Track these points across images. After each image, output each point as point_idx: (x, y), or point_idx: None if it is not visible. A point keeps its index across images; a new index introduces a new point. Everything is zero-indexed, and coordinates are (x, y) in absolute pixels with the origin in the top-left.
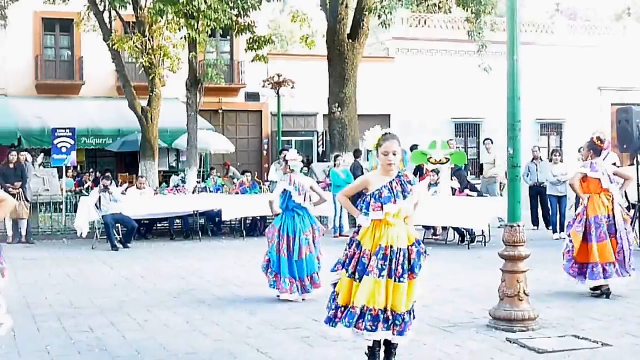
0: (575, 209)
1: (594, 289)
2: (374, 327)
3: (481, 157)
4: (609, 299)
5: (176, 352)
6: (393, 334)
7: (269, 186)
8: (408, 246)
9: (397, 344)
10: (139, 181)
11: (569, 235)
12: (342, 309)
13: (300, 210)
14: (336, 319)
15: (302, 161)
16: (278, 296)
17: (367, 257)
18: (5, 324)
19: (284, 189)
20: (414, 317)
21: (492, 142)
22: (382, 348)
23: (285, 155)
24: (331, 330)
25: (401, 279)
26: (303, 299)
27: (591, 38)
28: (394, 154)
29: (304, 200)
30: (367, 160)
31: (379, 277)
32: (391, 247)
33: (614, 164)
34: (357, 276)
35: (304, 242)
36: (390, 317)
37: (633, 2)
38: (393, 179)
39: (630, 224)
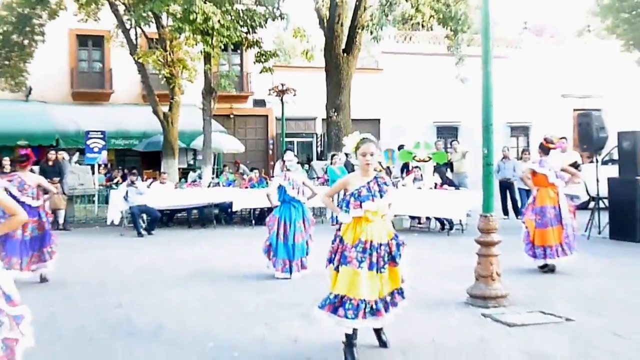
0: None
1: (542, 266)
2: (354, 316)
3: (451, 156)
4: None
5: (193, 326)
6: (379, 317)
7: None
8: (388, 241)
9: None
10: (161, 177)
11: (524, 223)
12: (337, 298)
13: (296, 203)
14: (325, 309)
15: (299, 162)
16: (274, 275)
17: (348, 250)
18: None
19: (280, 184)
20: (403, 298)
21: (458, 142)
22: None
23: (284, 156)
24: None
25: (382, 270)
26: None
27: (555, 52)
28: (371, 155)
29: (298, 194)
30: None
31: (358, 267)
32: (371, 241)
33: (575, 162)
34: (341, 266)
35: (298, 229)
36: (374, 305)
37: (592, 20)
38: (371, 180)
39: (590, 215)
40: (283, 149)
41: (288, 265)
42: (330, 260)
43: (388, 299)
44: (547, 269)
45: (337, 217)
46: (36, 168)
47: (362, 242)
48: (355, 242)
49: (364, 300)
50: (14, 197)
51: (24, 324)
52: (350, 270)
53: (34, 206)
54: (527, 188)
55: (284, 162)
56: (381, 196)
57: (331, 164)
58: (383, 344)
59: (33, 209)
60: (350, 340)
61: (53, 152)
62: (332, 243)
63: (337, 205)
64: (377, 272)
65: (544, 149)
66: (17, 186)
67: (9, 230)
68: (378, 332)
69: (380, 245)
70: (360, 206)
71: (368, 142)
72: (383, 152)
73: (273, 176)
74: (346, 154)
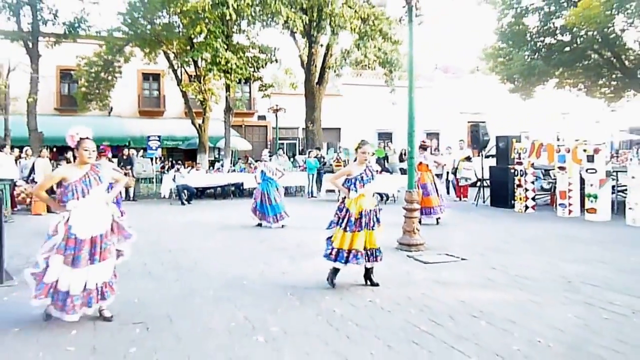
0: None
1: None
2: (358, 261)
3: (387, 152)
4: (465, 233)
5: (217, 263)
6: (373, 261)
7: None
8: (375, 208)
9: (373, 267)
10: (196, 166)
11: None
12: (337, 251)
13: (271, 181)
14: (331, 256)
15: (270, 154)
16: (259, 224)
17: (354, 218)
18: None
19: (261, 170)
20: (378, 260)
21: (391, 142)
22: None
23: (265, 153)
24: (328, 264)
25: (373, 228)
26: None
27: (456, 83)
28: (368, 153)
29: (273, 175)
30: (327, 153)
31: (359, 231)
32: (367, 210)
33: (469, 156)
34: (348, 230)
35: (273, 195)
36: (369, 253)
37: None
38: (366, 169)
39: (478, 190)
40: (276, 148)
41: (271, 219)
42: (338, 224)
43: (371, 252)
44: (437, 221)
45: (310, 193)
46: (115, 160)
47: (363, 212)
48: (359, 213)
49: (357, 250)
50: None
51: (131, 240)
52: (358, 234)
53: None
54: (439, 172)
55: (262, 156)
56: (373, 179)
57: (308, 157)
58: (373, 283)
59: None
60: (336, 271)
61: (126, 150)
62: (340, 211)
63: (343, 185)
64: (369, 230)
65: (423, 148)
66: None
67: (121, 188)
68: (369, 274)
69: (371, 211)
70: (363, 187)
71: (366, 144)
72: (343, 149)
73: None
74: (319, 150)
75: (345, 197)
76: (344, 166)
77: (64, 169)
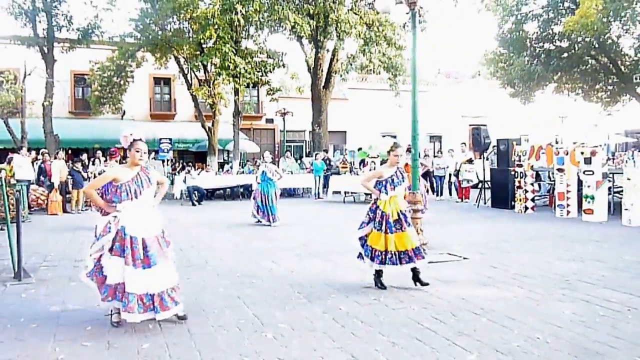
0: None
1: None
2: (400, 263)
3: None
4: (466, 233)
5: (227, 262)
6: (415, 261)
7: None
8: (405, 209)
9: (416, 266)
10: (206, 167)
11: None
12: (373, 251)
13: (271, 181)
14: (369, 257)
15: (273, 159)
16: (259, 221)
17: (392, 220)
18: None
19: (263, 170)
20: (423, 257)
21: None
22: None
23: (266, 155)
24: (363, 265)
25: (404, 229)
26: (269, 224)
27: (458, 88)
28: (401, 155)
29: (273, 175)
30: (333, 156)
31: (400, 232)
32: (399, 211)
33: (470, 158)
34: (388, 232)
35: (271, 196)
36: (410, 253)
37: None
38: (396, 171)
39: (479, 191)
40: (284, 150)
41: (268, 218)
42: (369, 224)
43: (411, 253)
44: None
45: (317, 194)
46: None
47: (397, 213)
48: (394, 215)
49: (392, 251)
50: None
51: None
52: (391, 235)
53: None
54: (440, 175)
55: (263, 158)
56: (403, 181)
57: (315, 159)
58: (423, 283)
59: None
60: (380, 273)
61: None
62: (372, 213)
63: (375, 187)
64: (402, 231)
65: (409, 151)
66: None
67: (164, 192)
68: (416, 275)
69: (402, 212)
70: (394, 189)
71: (399, 147)
72: (349, 152)
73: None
74: (326, 152)
75: (377, 199)
76: (350, 168)
77: (115, 169)
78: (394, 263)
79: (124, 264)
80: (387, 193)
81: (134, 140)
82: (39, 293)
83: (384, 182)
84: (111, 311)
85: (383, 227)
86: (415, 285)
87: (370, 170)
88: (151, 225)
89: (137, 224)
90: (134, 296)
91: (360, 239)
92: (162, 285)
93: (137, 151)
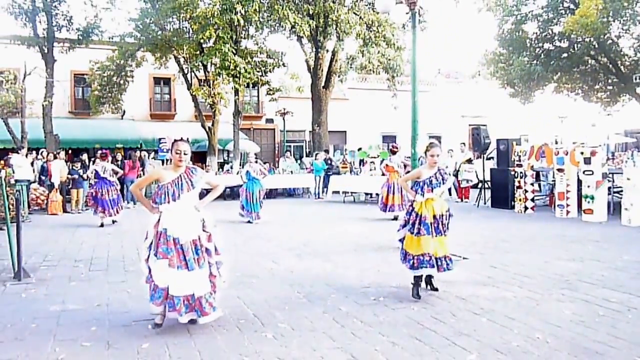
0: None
1: (394, 218)
2: (431, 267)
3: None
4: (466, 233)
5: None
6: (442, 270)
7: (280, 171)
8: (445, 212)
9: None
10: (206, 167)
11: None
12: (408, 255)
13: (256, 180)
14: (402, 260)
15: (257, 157)
16: (249, 221)
17: (429, 222)
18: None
19: (247, 170)
20: (450, 269)
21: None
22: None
23: (250, 156)
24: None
25: (445, 234)
26: (251, 222)
27: (458, 88)
28: (437, 155)
29: (258, 175)
30: (333, 155)
31: (436, 236)
32: (439, 214)
33: (470, 158)
34: (422, 233)
35: (256, 195)
36: (440, 260)
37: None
38: (437, 171)
39: (479, 191)
40: (284, 150)
41: (252, 216)
42: (407, 227)
43: (441, 261)
44: (395, 219)
45: (317, 194)
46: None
47: (435, 215)
48: (432, 217)
49: (430, 254)
50: (99, 175)
51: (223, 268)
52: (424, 237)
53: (109, 180)
54: None
55: (249, 158)
56: (444, 183)
57: (315, 159)
58: (434, 288)
59: (109, 182)
60: (417, 281)
61: (138, 152)
62: (409, 215)
63: (412, 189)
64: (441, 235)
65: (393, 152)
66: (101, 169)
67: (216, 195)
68: (430, 278)
69: (442, 215)
70: (432, 191)
71: (435, 147)
72: (349, 151)
73: (278, 167)
74: (326, 152)
75: (414, 201)
76: (350, 169)
77: (159, 170)
78: (432, 266)
79: (168, 266)
80: (423, 195)
81: (175, 141)
82: (39, 293)
83: (421, 183)
84: (156, 315)
85: (416, 229)
86: (426, 288)
87: (370, 170)
88: (190, 228)
89: (178, 226)
90: (179, 298)
91: (400, 240)
92: (201, 290)
93: (177, 152)
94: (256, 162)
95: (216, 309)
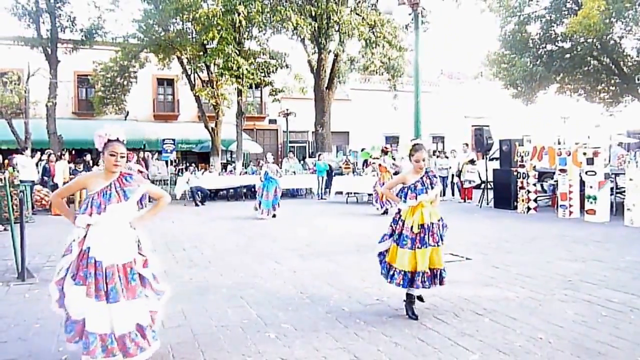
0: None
1: (383, 212)
2: (424, 285)
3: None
4: (468, 233)
5: (230, 262)
6: (435, 285)
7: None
8: (437, 221)
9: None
10: (209, 168)
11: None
12: (390, 269)
13: (273, 180)
14: (383, 275)
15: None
16: (262, 218)
17: (412, 233)
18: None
19: (265, 170)
20: (441, 284)
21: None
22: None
23: (268, 157)
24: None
25: (438, 244)
26: (272, 216)
27: (461, 89)
28: (423, 160)
29: (275, 174)
30: (336, 156)
31: (421, 248)
32: (428, 223)
33: (473, 159)
34: (406, 247)
35: (272, 192)
36: (432, 273)
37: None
38: (423, 175)
39: (482, 192)
40: (287, 151)
41: (267, 212)
42: (391, 237)
43: (430, 274)
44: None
45: (320, 195)
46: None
47: (422, 225)
48: (417, 227)
49: (411, 271)
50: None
51: (163, 298)
52: (407, 251)
53: None
54: (443, 175)
55: (266, 159)
56: (432, 187)
57: (318, 160)
58: (420, 298)
59: None
60: (409, 298)
61: (142, 152)
62: (395, 223)
63: (397, 195)
64: (434, 245)
65: (384, 152)
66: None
67: (159, 211)
68: (419, 298)
69: (432, 224)
70: (416, 198)
71: (420, 150)
72: (351, 152)
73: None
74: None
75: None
76: (353, 169)
77: (87, 176)
78: (426, 286)
79: (85, 295)
80: (405, 201)
81: (109, 140)
82: (43, 293)
83: (405, 189)
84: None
85: (400, 240)
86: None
87: (372, 170)
88: (118, 250)
89: (102, 247)
90: (95, 336)
91: (380, 254)
92: (124, 327)
93: (112, 155)
94: (273, 163)
95: (144, 349)
